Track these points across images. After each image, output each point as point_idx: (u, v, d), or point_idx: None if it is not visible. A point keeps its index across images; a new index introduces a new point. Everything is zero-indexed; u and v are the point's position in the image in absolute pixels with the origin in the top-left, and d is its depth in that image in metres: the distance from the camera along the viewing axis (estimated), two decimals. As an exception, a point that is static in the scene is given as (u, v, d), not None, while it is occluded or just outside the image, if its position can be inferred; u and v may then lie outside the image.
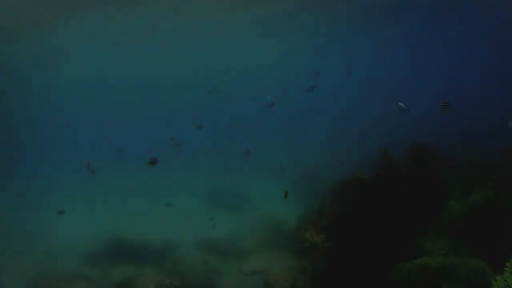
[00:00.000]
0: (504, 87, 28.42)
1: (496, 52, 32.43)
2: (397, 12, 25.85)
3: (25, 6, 17.60)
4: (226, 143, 25.64)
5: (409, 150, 8.01)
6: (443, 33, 32.96)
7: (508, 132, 12.94)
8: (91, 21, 21.25)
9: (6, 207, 19.12)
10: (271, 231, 14.28)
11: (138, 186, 22.14)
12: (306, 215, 11.22)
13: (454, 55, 39.41)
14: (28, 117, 40.85)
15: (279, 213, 14.74)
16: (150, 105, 49.04)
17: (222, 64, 37.81)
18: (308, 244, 7.68)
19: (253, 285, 11.30)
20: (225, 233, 15.06)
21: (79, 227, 16.05)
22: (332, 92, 40.79)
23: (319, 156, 21.48)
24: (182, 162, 25.89)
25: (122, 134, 37.67)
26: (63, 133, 41.83)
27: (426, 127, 17.73)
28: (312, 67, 18.49)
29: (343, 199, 7.90)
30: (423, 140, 8.16)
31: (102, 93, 43.56)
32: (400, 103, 10.59)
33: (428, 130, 16.45)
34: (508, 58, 33.57)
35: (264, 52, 34.57)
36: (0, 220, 17.25)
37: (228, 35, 27.68)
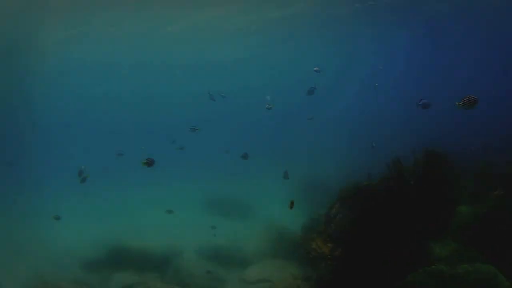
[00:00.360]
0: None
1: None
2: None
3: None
4: (227, 148, 25.35)
5: (420, 156, 7.82)
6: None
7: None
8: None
9: (4, 212, 18.93)
10: (275, 239, 14.06)
11: (138, 192, 21.94)
12: (311, 222, 11.07)
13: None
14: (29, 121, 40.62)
15: (283, 220, 14.50)
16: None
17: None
18: (315, 255, 7.48)
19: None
20: (228, 240, 14.84)
21: (79, 233, 15.88)
22: (334, 94, 40.63)
23: (326, 162, 21.20)
24: (184, 167, 25.74)
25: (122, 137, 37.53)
26: (62, 136, 41.59)
27: (439, 127, 17.43)
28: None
29: (351, 206, 7.71)
30: (434, 145, 7.97)
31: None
32: (423, 100, 10.16)
33: (441, 131, 16.13)
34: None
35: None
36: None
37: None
